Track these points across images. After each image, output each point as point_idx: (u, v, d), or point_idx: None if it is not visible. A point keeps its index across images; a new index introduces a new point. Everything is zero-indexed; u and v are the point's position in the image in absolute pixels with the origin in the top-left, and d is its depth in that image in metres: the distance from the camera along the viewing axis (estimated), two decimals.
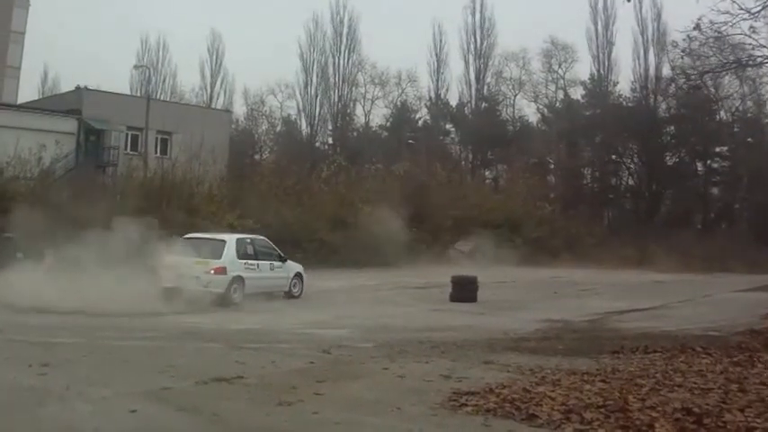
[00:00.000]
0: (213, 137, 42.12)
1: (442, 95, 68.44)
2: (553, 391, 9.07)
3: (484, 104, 67.30)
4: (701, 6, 15.53)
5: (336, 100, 67.46)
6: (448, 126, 69.56)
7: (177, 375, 10.20)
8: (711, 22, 16.04)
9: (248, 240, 22.25)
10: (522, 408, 8.26)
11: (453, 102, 68.56)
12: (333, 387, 9.70)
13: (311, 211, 38.06)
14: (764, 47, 16.58)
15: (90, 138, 43.44)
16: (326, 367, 11.28)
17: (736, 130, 59.39)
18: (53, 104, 46.47)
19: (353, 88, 68.07)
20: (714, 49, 17.40)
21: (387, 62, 69.93)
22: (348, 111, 68.40)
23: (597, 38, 63.87)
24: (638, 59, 62.77)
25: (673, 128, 62.59)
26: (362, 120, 69.85)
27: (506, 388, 9.27)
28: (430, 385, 9.76)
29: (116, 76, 79.84)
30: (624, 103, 63.92)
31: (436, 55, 67.58)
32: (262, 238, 23.40)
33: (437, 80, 67.98)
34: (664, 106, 62.54)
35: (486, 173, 67.77)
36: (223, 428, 7.72)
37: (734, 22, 15.53)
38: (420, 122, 69.95)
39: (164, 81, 67.91)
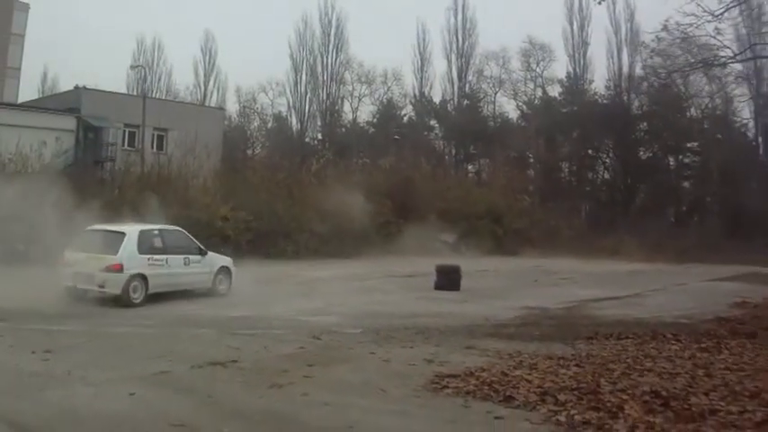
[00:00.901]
0: (207, 133, 42.04)
1: (426, 93, 68.49)
2: (530, 374, 9.20)
3: (466, 101, 67.27)
4: (668, 8, 15.69)
5: (325, 97, 67.44)
6: (432, 122, 69.46)
7: (174, 360, 10.28)
8: (678, 23, 16.21)
9: (155, 232, 18.59)
10: (500, 390, 8.39)
11: (437, 99, 68.63)
12: (322, 371, 9.80)
13: (301, 203, 38.00)
14: (728, 48, 16.75)
15: (89, 135, 43.27)
16: (316, 352, 11.37)
17: (705, 126, 59.52)
18: (53, 103, 46.25)
19: (341, 86, 68.06)
20: (682, 50, 17.57)
21: (373, 61, 70.54)
22: (336, 107, 68.34)
23: (573, 38, 64.08)
24: (612, 59, 62.95)
25: (645, 124, 62.65)
26: (350, 116, 69.85)
27: (485, 371, 9.40)
28: (414, 369, 9.88)
29: (113, 76, 79.68)
30: (599, 100, 63.96)
31: (420, 54, 67.72)
32: (176, 228, 19.94)
33: (421, 78, 68.03)
34: (637, 103, 62.60)
35: (469, 167, 67.69)
36: (218, 410, 7.80)
37: (699, 23, 15.69)
38: (405, 119, 69.86)
39: (159, 80, 67.95)
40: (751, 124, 58.80)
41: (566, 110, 64.62)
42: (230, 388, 8.71)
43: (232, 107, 68.74)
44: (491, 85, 67.02)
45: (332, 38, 67.14)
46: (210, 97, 67.60)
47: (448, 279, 22.56)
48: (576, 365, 9.93)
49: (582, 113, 61.17)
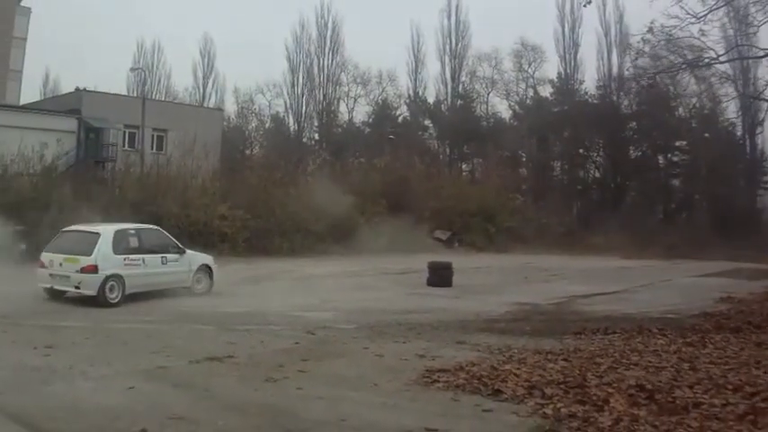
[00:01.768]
0: (206, 134, 41.95)
1: (420, 93, 68.53)
2: (518, 368, 9.24)
3: (459, 102, 67.28)
4: (654, 11, 15.75)
5: (321, 98, 67.42)
6: (426, 122, 69.39)
7: (172, 355, 10.33)
8: (663, 25, 16.27)
9: (132, 232, 18.01)
10: (489, 384, 8.44)
11: (431, 99, 68.64)
12: (316, 365, 9.85)
13: (297, 202, 38.00)
14: (712, 49, 16.82)
15: (89, 135, 43.28)
16: (311, 347, 11.42)
17: (693, 125, 59.67)
18: (54, 105, 46.35)
19: (337, 87, 68.05)
20: (668, 51, 17.62)
21: (368, 63, 70.25)
22: (332, 108, 68.26)
23: (564, 39, 64.21)
24: (602, 59, 63.27)
25: (635, 123, 62.72)
26: (346, 116, 69.82)
27: (475, 366, 9.44)
28: (406, 363, 9.94)
29: (113, 78, 79.44)
30: (590, 100, 64.03)
31: (414, 56, 67.79)
32: (152, 227, 19.55)
33: (415, 79, 68.18)
34: (626, 103, 62.67)
35: (463, 166, 67.68)
36: (214, 403, 7.85)
37: (683, 25, 15.76)
38: (400, 119, 69.83)
39: (159, 82, 67.76)
40: (738, 123, 58.99)
41: (557, 110, 64.65)
42: (227, 382, 8.76)
43: (230, 108, 68.64)
44: (484, 85, 67.20)
45: (328, 40, 67.16)
46: (209, 99, 67.64)
47: (440, 276, 22.56)
48: (564, 360, 9.97)
49: (573, 113, 61.22)
